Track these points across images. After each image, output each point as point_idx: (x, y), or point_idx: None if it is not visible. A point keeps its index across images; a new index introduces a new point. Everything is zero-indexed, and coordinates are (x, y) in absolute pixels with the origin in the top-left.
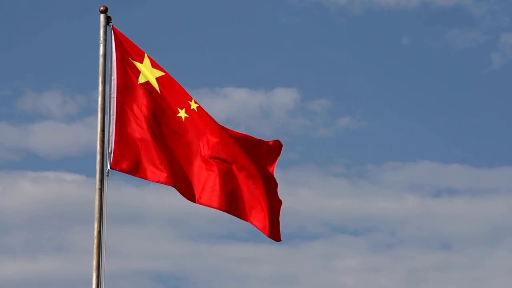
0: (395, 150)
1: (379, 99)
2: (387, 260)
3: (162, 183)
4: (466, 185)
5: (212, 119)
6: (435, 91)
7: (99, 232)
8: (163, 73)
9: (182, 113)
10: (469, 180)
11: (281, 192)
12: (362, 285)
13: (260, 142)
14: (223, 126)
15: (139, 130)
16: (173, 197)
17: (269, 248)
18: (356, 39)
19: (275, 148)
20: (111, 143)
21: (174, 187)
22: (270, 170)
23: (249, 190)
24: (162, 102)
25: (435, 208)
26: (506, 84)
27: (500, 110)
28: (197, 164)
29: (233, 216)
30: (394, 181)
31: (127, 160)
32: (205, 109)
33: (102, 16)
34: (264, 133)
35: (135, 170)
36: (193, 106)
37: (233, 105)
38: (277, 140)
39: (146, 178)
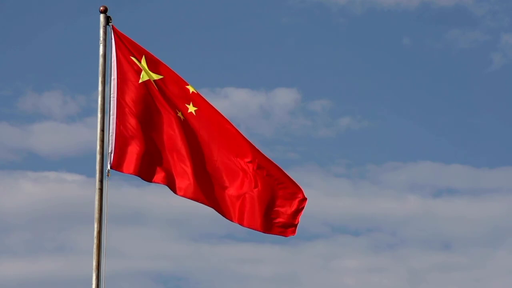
0: (395, 150)
1: (380, 99)
2: (388, 260)
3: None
4: (467, 185)
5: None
6: (435, 91)
7: (99, 232)
8: (160, 77)
9: (180, 115)
10: (469, 180)
11: None
12: (363, 285)
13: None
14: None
15: (140, 130)
16: (173, 197)
17: (270, 248)
18: (356, 39)
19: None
20: (111, 143)
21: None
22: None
23: (279, 197)
24: (161, 102)
25: (436, 209)
26: (506, 84)
27: (501, 110)
28: (212, 168)
29: None
30: (395, 181)
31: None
32: (214, 109)
33: (102, 16)
34: (264, 133)
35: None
36: (191, 109)
37: (233, 106)
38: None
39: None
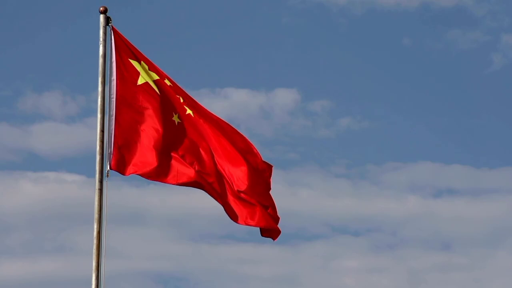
0: (395, 151)
1: (380, 100)
2: (388, 260)
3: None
4: (467, 185)
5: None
6: (436, 92)
7: (99, 232)
8: (159, 78)
9: (175, 118)
10: (470, 180)
11: (282, 192)
12: (363, 286)
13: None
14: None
15: (140, 131)
16: (173, 197)
17: (270, 248)
18: (357, 39)
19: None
20: (111, 143)
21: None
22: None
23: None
24: (160, 104)
25: (436, 209)
26: (507, 85)
27: (501, 110)
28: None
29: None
30: (395, 181)
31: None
32: (206, 112)
33: (101, 17)
34: (264, 133)
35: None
36: (188, 111)
37: (233, 106)
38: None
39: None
